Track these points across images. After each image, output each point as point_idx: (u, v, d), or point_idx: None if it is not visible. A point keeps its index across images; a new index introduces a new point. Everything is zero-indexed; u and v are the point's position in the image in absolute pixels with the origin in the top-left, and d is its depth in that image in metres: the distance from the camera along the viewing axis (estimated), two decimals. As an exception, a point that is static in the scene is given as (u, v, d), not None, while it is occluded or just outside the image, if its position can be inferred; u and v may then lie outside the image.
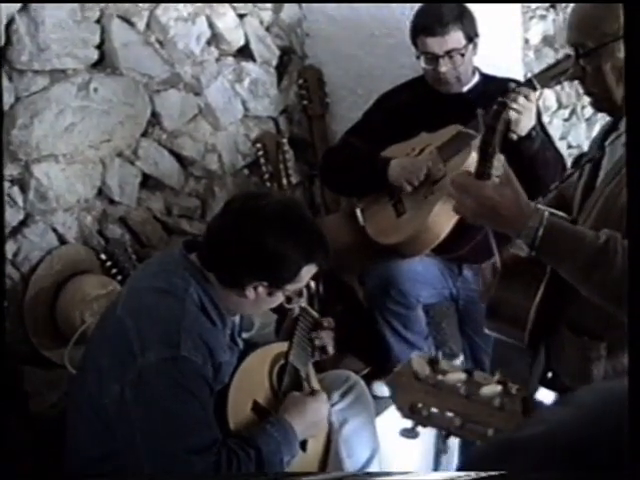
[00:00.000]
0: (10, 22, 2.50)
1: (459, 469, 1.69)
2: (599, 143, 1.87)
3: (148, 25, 2.91)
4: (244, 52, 3.29)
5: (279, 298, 2.11)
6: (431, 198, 2.81)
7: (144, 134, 2.95)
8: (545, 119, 3.44)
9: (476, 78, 2.96)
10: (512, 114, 2.42)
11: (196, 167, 3.15)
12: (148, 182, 3.00)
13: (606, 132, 1.87)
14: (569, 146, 4.71)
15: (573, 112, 4.76)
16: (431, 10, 2.87)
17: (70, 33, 2.64)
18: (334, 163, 3.06)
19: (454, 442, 2.76)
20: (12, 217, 2.57)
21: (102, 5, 2.74)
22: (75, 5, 2.65)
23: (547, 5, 4.45)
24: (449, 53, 2.83)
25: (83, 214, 2.78)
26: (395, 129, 2.94)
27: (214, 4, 3.12)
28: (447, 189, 1.78)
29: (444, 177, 2.78)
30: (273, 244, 2.01)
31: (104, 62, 2.78)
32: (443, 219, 2.77)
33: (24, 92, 2.56)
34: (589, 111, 4.68)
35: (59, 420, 2.20)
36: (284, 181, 3.15)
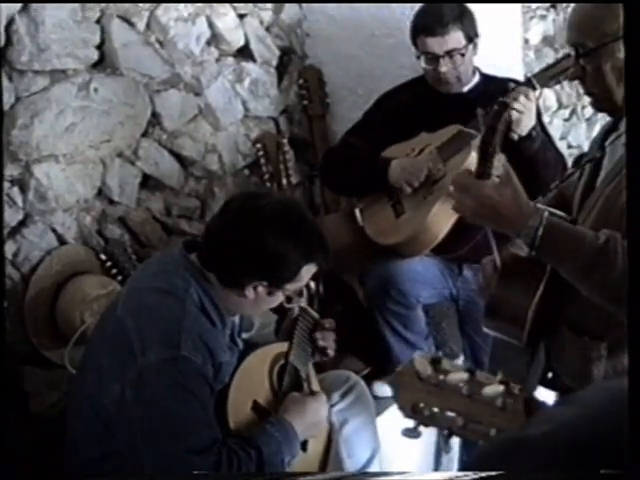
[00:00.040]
0: (10, 22, 2.49)
1: (462, 469, 1.69)
2: (599, 143, 1.87)
3: (148, 25, 2.91)
4: (244, 52, 3.29)
5: (279, 298, 2.11)
6: (430, 198, 2.81)
7: (144, 134, 2.95)
8: (545, 119, 3.44)
9: (476, 78, 2.96)
10: (513, 114, 2.42)
11: (196, 167, 3.14)
12: (148, 182, 3.00)
13: (606, 132, 1.87)
14: (569, 146, 4.70)
15: (573, 112, 4.76)
16: (431, 10, 2.87)
17: (70, 33, 2.64)
18: (334, 163, 3.06)
19: (455, 442, 2.77)
20: (12, 217, 2.57)
21: (102, 5, 2.74)
22: (75, 5, 2.65)
23: (547, 5, 4.45)
24: (449, 53, 2.83)
25: (83, 214, 2.78)
26: (395, 129, 2.94)
27: (214, 4, 3.12)
28: (447, 189, 1.78)
29: (444, 177, 2.78)
30: (273, 244, 2.01)
31: (104, 62, 2.78)
32: (442, 219, 2.77)
33: (24, 92, 2.56)
34: (589, 111, 4.67)
35: (59, 420, 2.20)
36: (284, 181, 3.14)
